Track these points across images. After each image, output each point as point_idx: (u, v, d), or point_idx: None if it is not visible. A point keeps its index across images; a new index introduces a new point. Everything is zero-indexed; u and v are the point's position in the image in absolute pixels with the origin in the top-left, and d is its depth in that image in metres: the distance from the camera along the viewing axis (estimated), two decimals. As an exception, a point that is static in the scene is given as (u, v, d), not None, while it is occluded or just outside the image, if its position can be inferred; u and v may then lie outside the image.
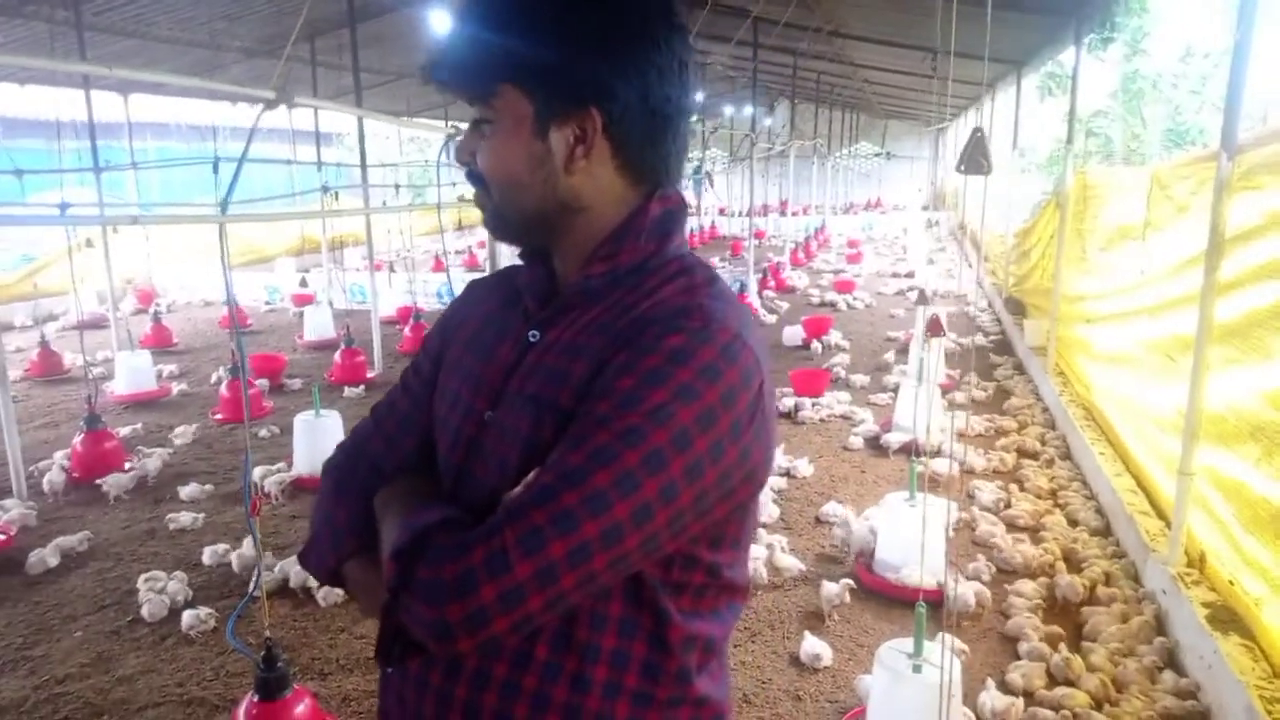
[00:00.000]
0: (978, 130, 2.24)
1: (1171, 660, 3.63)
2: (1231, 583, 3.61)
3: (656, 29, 1.00)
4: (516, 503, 0.90)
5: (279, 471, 5.75)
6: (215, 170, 6.89)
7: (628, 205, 1.05)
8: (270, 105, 2.70)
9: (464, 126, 1.12)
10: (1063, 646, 3.66)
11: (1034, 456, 6.25)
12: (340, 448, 1.23)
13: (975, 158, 2.22)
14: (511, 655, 0.98)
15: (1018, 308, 10.62)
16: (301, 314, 11.59)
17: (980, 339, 10.26)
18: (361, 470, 1.16)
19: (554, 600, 0.88)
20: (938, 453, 5.62)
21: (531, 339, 1.05)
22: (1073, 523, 5.08)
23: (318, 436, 5.84)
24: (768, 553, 4.58)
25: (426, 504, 1.01)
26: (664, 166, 1.06)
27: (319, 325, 10.91)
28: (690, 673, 1.01)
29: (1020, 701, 3.34)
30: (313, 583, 4.29)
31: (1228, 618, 3.52)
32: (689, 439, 0.89)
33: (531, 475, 0.93)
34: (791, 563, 4.55)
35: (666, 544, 0.93)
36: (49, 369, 9.13)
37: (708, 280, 1.02)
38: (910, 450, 6.14)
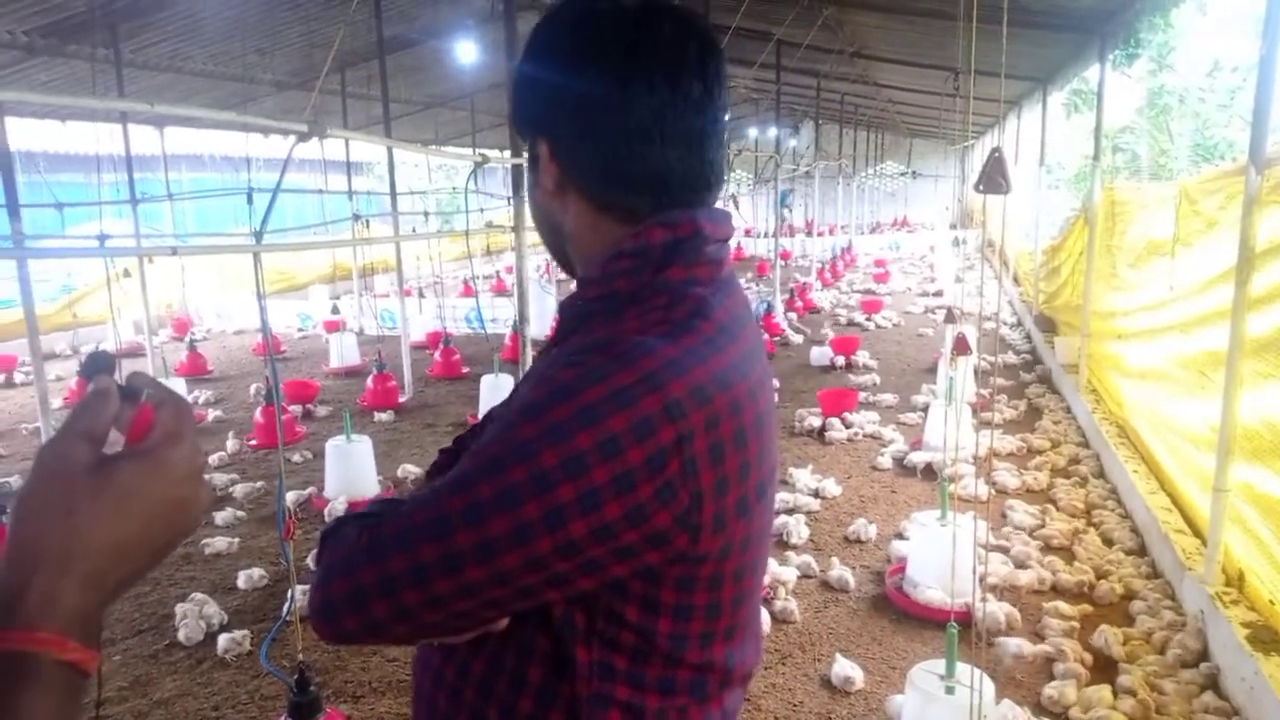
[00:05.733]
0: (996, 150, 2.25)
1: (1211, 681, 3.57)
2: (1272, 602, 3.55)
3: (593, 46, 0.96)
4: (391, 512, 0.92)
5: (310, 496, 5.82)
6: (250, 201, 7.02)
7: (606, 232, 1.01)
8: (303, 138, 2.77)
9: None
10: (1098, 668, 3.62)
11: (1067, 475, 6.19)
12: (456, 438, 1.26)
13: (994, 177, 2.22)
14: (458, 664, 0.99)
15: (1048, 325, 10.54)
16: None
17: (1011, 357, 10.19)
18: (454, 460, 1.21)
19: (400, 612, 0.88)
20: (958, 474, 5.57)
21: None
22: (1107, 542, 5.02)
23: (349, 461, 5.91)
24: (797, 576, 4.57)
25: (394, 496, 1.04)
26: (623, 192, 0.98)
27: (345, 351, 11.05)
28: None
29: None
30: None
31: (1269, 638, 3.45)
32: (549, 483, 0.83)
33: None
34: (843, 574, 4.65)
35: (542, 589, 0.87)
36: (87, 397, 9.29)
37: (687, 315, 0.93)
38: (935, 469, 6.11)
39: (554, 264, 1.21)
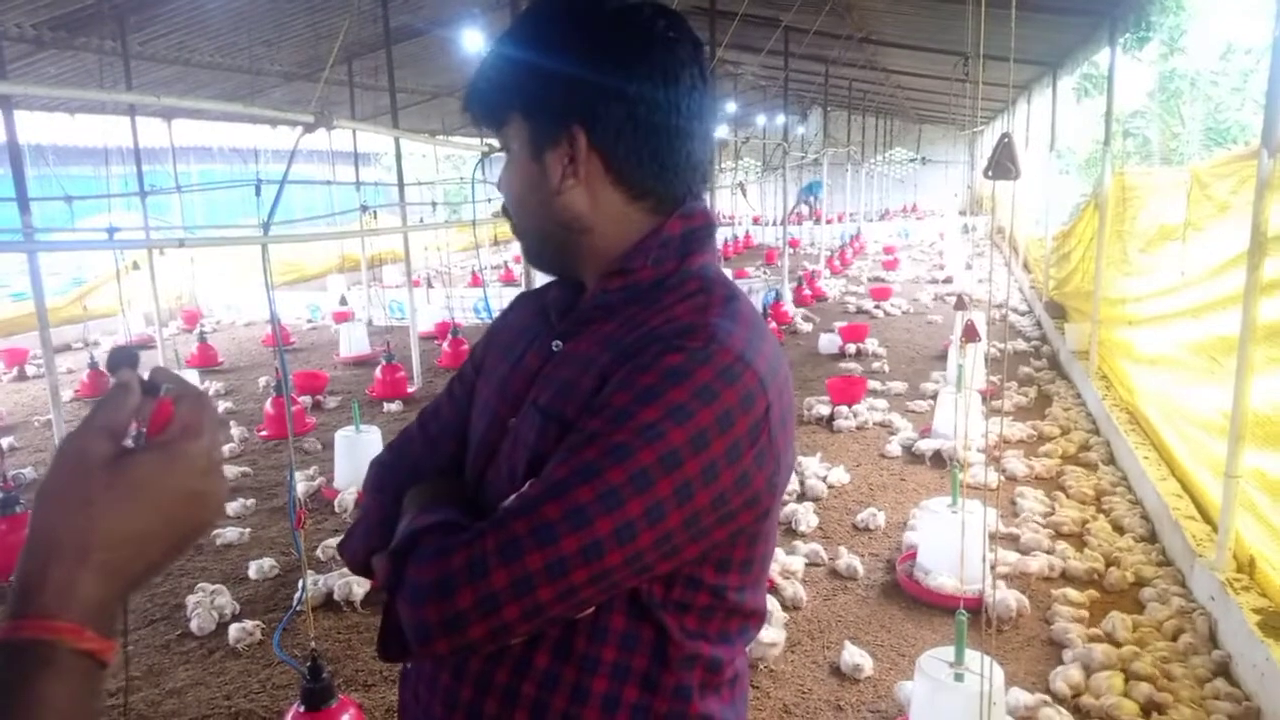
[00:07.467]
0: (1005, 135, 2.23)
1: (1222, 668, 3.55)
2: (1283, 588, 3.54)
3: (640, 41, 1.00)
4: (503, 512, 0.91)
5: (320, 487, 5.84)
6: (258, 192, 7.02)
7: (634, 222, 1.04)
8: (310, 128, 2.76)
9: (497, 144, 1.15)
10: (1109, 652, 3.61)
11: (1077, 462, 6.17)
12: (388, 446, 1.26)
13: (1003, 163, 2.21)
14: (513, 662, 0.98)
15: (1058, 311, 10.49)
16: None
17: (1021, 344, 10.15)
18: (402, 469, 1.18)
19: (531, 611, 0.88)
20: (967, 461, 5.56)
21: (555, 349, 1.06)
22: (1117, 529, 5.00)
23: (358, 452, 5.93)
24: (804, 564, 4.57)
25: (436, 506, 1.03)
26: (668, 180, 1.04)
27: (355, 341, 11.09)
28: (690, 690, 0.99)
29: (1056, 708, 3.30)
30: (356, 595, 4.36)
31: (1280, 624, 3.45)
32: (679, 459, 0.88)
33: (526, 486, 0.94)
34: (851, 561, 4.64)
35: (658, 564, 0.91)
36: (98, 390, 9.36)
37: (725, 299, 1.01)
38: (944, 457, 6.09)
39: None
